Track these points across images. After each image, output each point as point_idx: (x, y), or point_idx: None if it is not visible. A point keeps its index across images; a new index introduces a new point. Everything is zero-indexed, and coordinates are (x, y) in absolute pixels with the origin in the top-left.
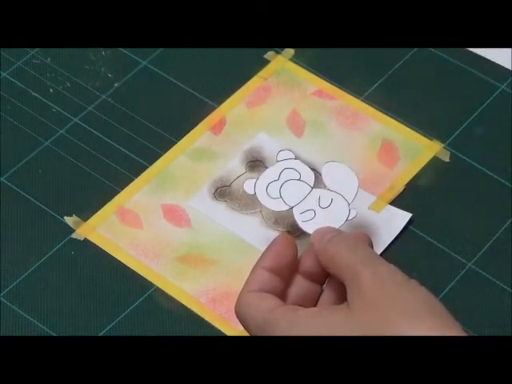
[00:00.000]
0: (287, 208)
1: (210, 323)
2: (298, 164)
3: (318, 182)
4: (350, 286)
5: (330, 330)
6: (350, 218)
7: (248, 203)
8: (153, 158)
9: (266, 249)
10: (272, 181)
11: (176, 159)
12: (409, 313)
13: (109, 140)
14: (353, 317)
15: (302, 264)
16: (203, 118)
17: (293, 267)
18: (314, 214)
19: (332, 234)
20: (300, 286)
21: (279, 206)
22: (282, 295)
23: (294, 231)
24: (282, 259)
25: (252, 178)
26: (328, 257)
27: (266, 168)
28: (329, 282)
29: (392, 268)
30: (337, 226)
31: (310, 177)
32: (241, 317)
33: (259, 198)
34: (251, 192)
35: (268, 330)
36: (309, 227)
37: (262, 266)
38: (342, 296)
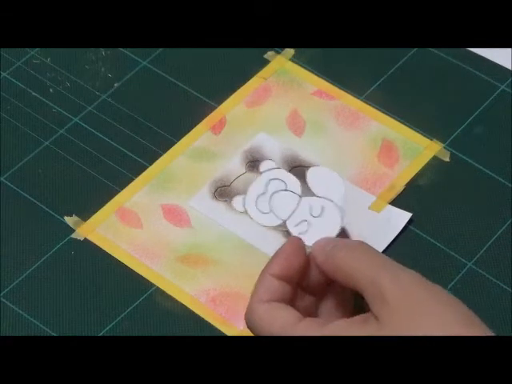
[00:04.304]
0: (280, 222)
1: (209, 323)
2: (281, 173)
3: (305, 189)
4: (369, 294)
5: None
6: (344, 223)
7: None
8: (153, 157)
9: (275, 254)
10: (260, 194)
11: (176, 159)
12: (441, 322)
13: (109, 140)
14: (384, 330)
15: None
16: (203, 118)
17: (303, 273)
18: (308, 225)
19: (333, 243)
20: (301, 297)
21: (271, 221)
22: (291, 303)
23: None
24: (291, 265)
25: (239, 195)
26: (334, 265)
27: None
28: (328, 291)
29: (413, 274)
30: (333, 234)
31: (295, 185)
32: (254, 330)
33: (251, 215)
34: (241, 210)
35: None
36: (306, 239)
37: (270, 274)
38: (342, 304)
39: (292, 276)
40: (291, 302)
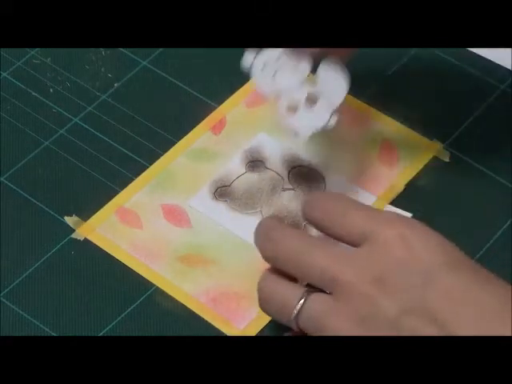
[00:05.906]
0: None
1: (209, 323)
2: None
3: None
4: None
5: None
6: (328, 124)
7: (248, 203)
8: (153, 157)
9: None
10: (269, 61)
11: (176, 159)
12: None
13: (109, 140)
14: None
15: None
16: (203, 118)
17: None
18: (298, 109)
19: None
20: None
21: (267, 87)
22: None
23: (296, 227)
24: None
25: (252, 53)
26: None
27: (267, 168)
28: None
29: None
30: (314, 129)
31: (305, 69)
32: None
33: (253, 73)
34: (247, 65)
35: None
36: (291, 120)
37: None
38: None
39: None
40: None
